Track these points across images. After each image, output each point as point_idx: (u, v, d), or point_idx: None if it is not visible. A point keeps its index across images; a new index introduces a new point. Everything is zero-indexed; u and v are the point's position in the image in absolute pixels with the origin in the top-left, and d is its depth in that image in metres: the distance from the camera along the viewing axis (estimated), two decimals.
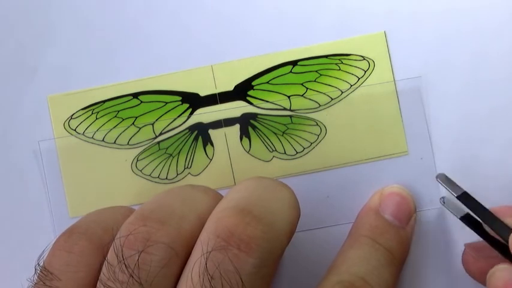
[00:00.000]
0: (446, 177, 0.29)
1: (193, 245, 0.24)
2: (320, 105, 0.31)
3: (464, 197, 0.28)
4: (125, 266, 0.23)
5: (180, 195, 0.26)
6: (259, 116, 0.32)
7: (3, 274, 0.32)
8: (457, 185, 0.29)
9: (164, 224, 0.24)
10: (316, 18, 0.32)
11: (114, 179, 0.32)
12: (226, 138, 0.32)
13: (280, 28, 0.32)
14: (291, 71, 0.32)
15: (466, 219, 0.28)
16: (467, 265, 0.29)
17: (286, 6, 0.32)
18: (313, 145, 0.31)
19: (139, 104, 0.32)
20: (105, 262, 0.24)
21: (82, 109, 0.32)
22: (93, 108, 0.32)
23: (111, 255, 0.24)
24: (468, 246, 0.29)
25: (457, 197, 0.28)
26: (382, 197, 0.30)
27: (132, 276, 0.23)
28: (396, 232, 0.29)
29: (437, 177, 0.29)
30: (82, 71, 0.32)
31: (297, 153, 0.31)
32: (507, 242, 0.26)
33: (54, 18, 0.32)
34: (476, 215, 0.28)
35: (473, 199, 0.28)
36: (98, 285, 0.24)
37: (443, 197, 0.29)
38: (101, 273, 0.24)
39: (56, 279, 0.24)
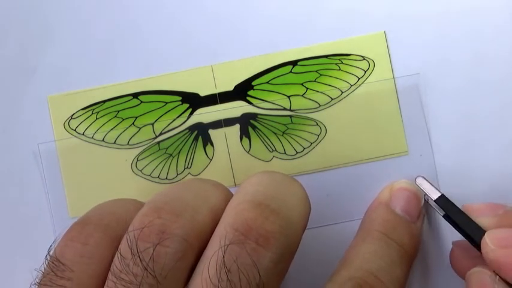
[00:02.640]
0: (425, 179, 0.29)
1: (206, 238, 0.24)
2: (320, 105, 0.31)
3: (442, 200, 0.29)
4: (140, 259, 0.22)
5: (191, 188, 0.26)
6: (259, 116, 0.32)
7: (3, 274, 0.31)
8: (436, 188, 0.29)
9: (179, 216, 0.24)
10: (316, 18, 0.32)
11: (114, 179, 0.32)
12: (226, 138, 0.32)
13: (280, 28, 0.32)
14: (291, 71, 0.32)
15: (448, 218, 0.29)
16: (453, 263, 0.29)
17: (286, 6, 0.32)
18: (313, 145, 0.31)
19: (139, 104, 0.32)
20: (118, 254, 0.23)
21: (82, 109, 0.32)
22: (93, 108, 0.32)
23: (124, 248, 0.23)
24: (456, 244, 0.29)
25: (434, 201, 0.29)
26: (392, 192, 0.30)
27: (147, 269, 0.22)
28: (407, 227, 0.29)
29: (416, 180, 0.29)
30: (82, 71, 0.32)
31: (297, 153, 0.31)
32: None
33: (54, 18, 0.32)
34: (453, 217, 0.28)
35: (450, 202, 0.29)
36: (109, 276, 0.23)
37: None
38: (113, 265, 0.23)
39: (68, 270, 0.24)
